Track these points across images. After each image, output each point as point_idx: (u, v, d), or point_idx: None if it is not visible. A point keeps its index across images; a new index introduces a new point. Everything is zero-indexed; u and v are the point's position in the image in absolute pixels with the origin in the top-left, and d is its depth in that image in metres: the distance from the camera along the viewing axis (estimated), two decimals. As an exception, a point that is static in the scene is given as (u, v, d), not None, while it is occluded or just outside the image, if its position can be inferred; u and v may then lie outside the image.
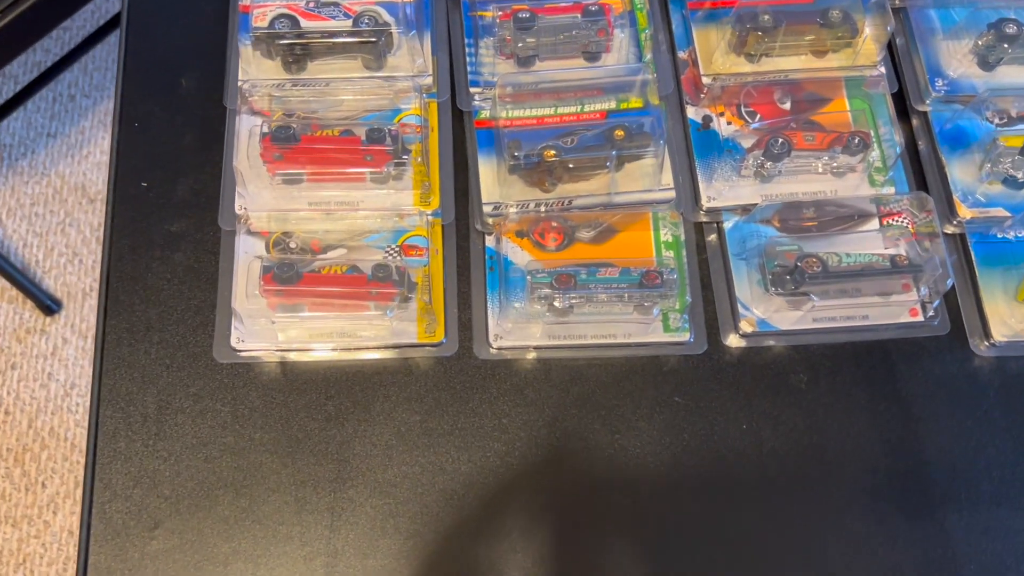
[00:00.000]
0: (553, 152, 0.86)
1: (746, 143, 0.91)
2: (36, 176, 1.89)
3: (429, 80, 0.92)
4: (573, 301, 0.82)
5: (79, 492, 1.73)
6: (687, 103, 0.94)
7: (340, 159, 0.85)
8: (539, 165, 0.86)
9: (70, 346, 1.77)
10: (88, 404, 1.43)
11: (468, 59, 0.94)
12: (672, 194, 0.89)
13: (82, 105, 1.93)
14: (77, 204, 1.86)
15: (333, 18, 0.88)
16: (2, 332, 1.77)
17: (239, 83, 0.91)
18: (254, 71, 0.90)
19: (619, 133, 0.86)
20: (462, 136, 0.92)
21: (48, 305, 1.76)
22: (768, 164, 0.88)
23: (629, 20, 0.95)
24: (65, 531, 1.70)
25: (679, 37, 0.97)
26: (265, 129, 0.85)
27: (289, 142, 0.84)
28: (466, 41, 0.95)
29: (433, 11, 0.96)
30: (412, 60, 0.91)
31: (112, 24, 1.79)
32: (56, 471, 1.72)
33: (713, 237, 0.90)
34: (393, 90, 0.90)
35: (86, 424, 1.51)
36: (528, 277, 0.83)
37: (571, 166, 0.86)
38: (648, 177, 0.89)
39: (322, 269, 0.82)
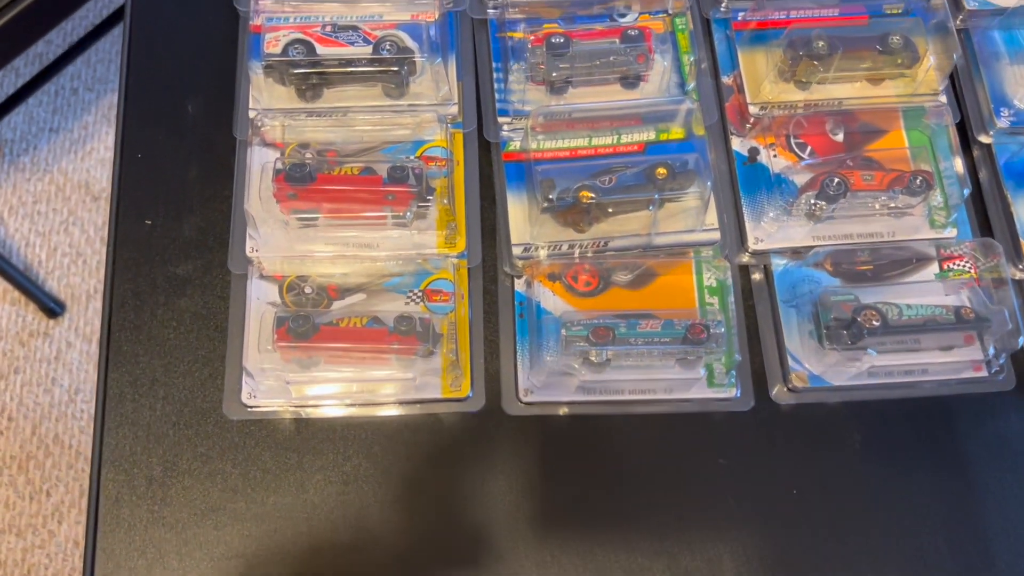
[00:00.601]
0: (590, 194, 0.79)
1: (797, 179, 0.84)
2: (38, 173, 1.82)
3: (454, 109, 0.85)
4: (610, 356, 0.76)
5: (84, 501, 1.69)
6: (732, 134, 0.87)
7: (359, 199, 0.79)
8: (574, 207, 0.79)
9: (74, 350, 1.71)
10: (93, 412, 1.38)
11: (496, 85, 0.87)
12: (717, 235, 0.82)
13: (85, 99, 1.86)
14: (80, 202, 1.80)
15: (352, 43, 0.81)
16: (4, 335, 1.71)
17: (250, 112, 0.84)
18: (266, 99, 0.83)
19: (661, 172, 0.80)
20: (489, 169, 0.86)
21: (51, 307, 1.71)
22: (822, 205, 0.81)
23: (670, 42, 0.87)
24: (70, 541, 1.66)
25: (723, 60, 0.90)
26: (278, 166, 0.78)
27: (304, 181, 0.77)
28: (494, 66, 0.88)
29: (458, 33, 0.88)
30: (436, 87, 0.84)
31: (117, 16, 1.72)
32: (61, 479, 1.67)
33: (760, 279, 0.83)
34: (416, 120, 0.84)
35: (91, 431, 1.45)
36: (563, 331, 0.77)
37: (610, 210, 0.79)
38: (691, 216, 0.82)
39: (340, 321, 0.76)
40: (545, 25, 0.89)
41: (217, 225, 0.83)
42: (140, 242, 0.82)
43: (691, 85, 0.86)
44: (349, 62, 0.81)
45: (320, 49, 0.81)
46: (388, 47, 0.81)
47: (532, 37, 0.84)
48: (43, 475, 1.68)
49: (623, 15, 0.90)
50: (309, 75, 0.81)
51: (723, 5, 0.90)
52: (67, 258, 1.77)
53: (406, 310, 0.77)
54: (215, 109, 0.87)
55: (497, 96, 0.87)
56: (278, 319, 0.76)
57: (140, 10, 0.91)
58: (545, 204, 0.79)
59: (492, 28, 0.89)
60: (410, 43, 0.82)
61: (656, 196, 0.79)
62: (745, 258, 0.84)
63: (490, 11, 0.89)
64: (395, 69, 0.81)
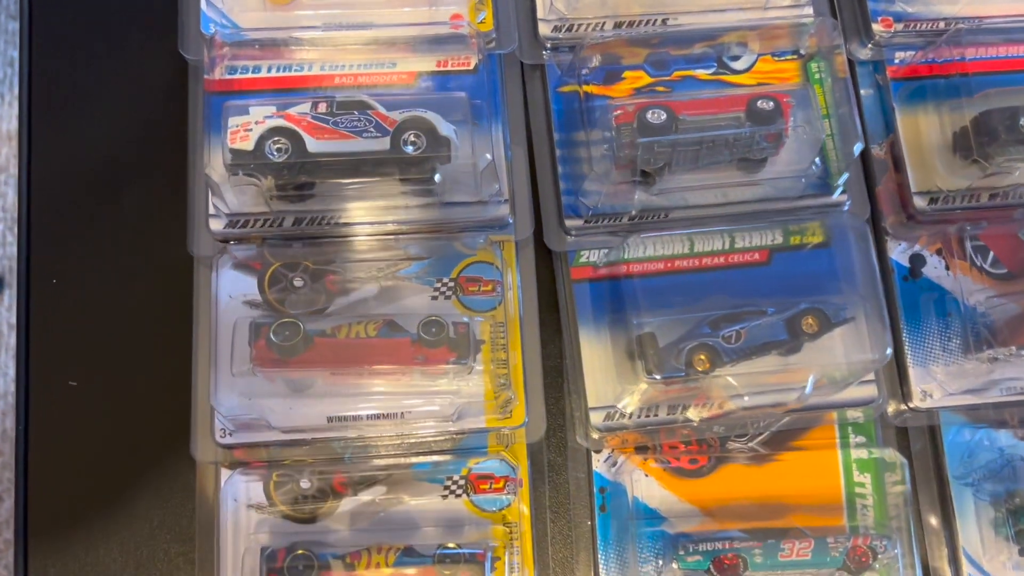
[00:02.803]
0: (707, 358, 0.55)
1: (977, 300, 0.60)
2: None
3: (504, 210, 0.59)
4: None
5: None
6: (886, 234, 0.63)
7: (377, 361, 0.54)
8: (688, 374, 0.55)
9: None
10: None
11: (560, 168, 0.61)
12: (873, 392, 0.59)
13: None
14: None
15: (359, 133, 0.54)
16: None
17: (210, 220, 0.58)
18: (233, 202, 0.57)
19: (811, 323, 0.56)
20: (550, 286, 0.61)
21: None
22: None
23: (805, 100, 0.61)
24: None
25: (871, 118, 0.64)
26: (258, 320, 0.53)
27: (295, 350, 0.53)
28: (556, 137, 0.62)
29: (503, 87, 0.62)
30: (477, 178, 0.58)
31: None
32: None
33: (922, 447, 0.61)
34: (450, 229, 0.59)
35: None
36: (673, 563, 0.54)
37: (733, 382, 0.56)
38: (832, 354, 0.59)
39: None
40: (626, 74, 0.63)
41: (175, 388, 0.58)
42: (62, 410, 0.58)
43: (834, 166, 0.60)
44: (356, 165, 0.54)
45: (312, 144, 0.54)
46: (413, 139, 0.55)
47: (617, 111, 0.58)
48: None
49: (736, 57, 0.63)
50: (298, 178, 0.55)
51: (872, 40, 0.64)
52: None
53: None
54: (158, 207, 0.61)
55: (562, 185, 0.61)
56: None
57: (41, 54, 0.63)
58: (646, 375, 0.55)
59: (551, 79, 0.63)
60: (443, 129, 0.55)
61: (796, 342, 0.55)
62: (906, 417, 0.61)
63: (548, 54, 0.63)
64: (424, 172, 0.55)
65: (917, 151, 0.63)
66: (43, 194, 0.63)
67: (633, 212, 0.60)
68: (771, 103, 0.58)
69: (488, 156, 0.55)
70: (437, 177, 0.57)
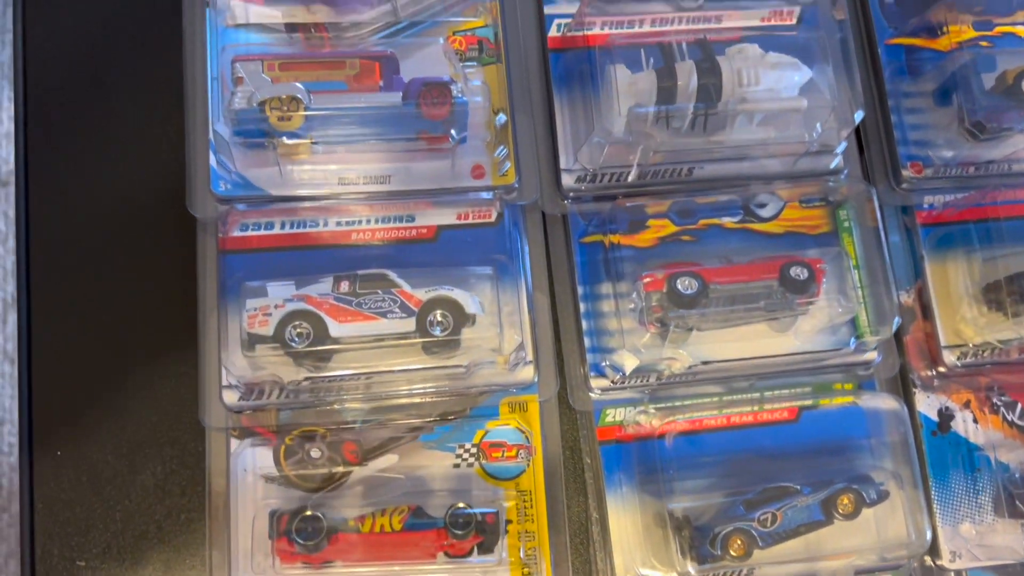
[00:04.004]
0: (743, 543, 0.54)
1: (1010, 457, 0.60)
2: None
3: (528, 372, 0.58)
4: None
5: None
6: (914, 385, 0.61)
7: (403, 557, 0.53)
8: (723, 554, 0.54)
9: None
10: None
11: (584, 323, 0.60)
12: (903, 556, 0.58)
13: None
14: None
15: (383, 314, 0.52)
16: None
17: (223, 390, 0.56)
18: (247, 370, 0.55)
19: (846, 503, 0.55)
20: (575, 447, 0.60)
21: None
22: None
23: (836, 251, 0.60)
24: None
25: (898, 264, 0.63)
26: (276, 510, 0.51)
27: (317, 547, 0.51)
28: (579, 291, 0.60)
29: (523, 238, 0.60)
30: (500, 337, 0.56)
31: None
32: None
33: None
34: (471, 391, 0.57)
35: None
36: None
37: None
38: (867, 531, 0.58)
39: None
40: (651, 222, 0.61)
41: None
42: None
43: (864, 325, 0.59)
44: (379, 341, 0.52)
45: (336, 328, 0.52)
46: (440, 319, 0.53)
47: (647, 278, 0.56)
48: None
49: (762, 204, 0.62)
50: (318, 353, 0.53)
51: (902, 183, 0.63)
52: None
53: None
54: (168, 369, 0.59)
55: (587, 343, 0.59)
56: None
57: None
58: (680, 556, 0.54)
59: (575, 229, 0.61)
60: (470, 307, 0.53)
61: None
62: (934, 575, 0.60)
63: (570, 203, 0.61)
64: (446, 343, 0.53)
65: (946, 300, 0.62)
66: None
67: (663, 371, 0.58)
68: (805, 272, 0.56)
69: (517, 338, 0.53)
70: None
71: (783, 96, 0.56)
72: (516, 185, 0.60)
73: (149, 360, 0.59)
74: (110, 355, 0.59)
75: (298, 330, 0.51)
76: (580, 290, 0.60)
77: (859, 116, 0.57)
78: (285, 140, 0.55)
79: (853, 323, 0.59)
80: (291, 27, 0.59)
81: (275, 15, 0.59)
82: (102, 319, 0.59)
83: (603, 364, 0.58)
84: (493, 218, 0.59)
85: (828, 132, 0.58)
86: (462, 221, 0.59)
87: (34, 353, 0.58)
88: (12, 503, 1.09)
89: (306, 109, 0.54)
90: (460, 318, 0.53)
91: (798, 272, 0.56)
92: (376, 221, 0.59)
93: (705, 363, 0.59)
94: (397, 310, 0.52)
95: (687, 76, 0.57)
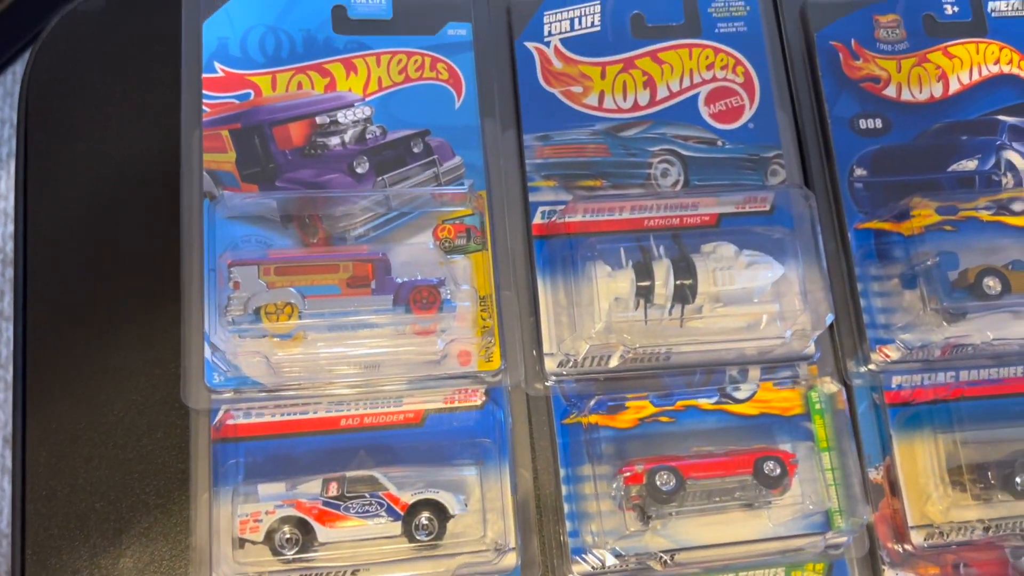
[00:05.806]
0: None
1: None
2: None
3: (511, 560, 0.60)
4: None
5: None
6: (883, 562, 0.64)
7: None
8: None
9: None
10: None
11: (568, 506, 0.62)
12: None
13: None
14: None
15: (369, 516, 0.54)
16: None
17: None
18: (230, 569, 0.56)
19: None
20: (558, 630, 0.61)
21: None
22: None
23: (806, 435, 0.63)
24: None
25: (868, 441, 0.65)
26: None
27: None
28: (562, 473, 0.62)
29: (508, 422, 0.62)
30: (484, 527, 0.58)
31: None
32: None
33: None
34: (457, 578, 0.59)
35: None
36: None
37: None
38: None
39: None
40: (629, 403, 0.63)
41: None
42: None
43: (843, 526, 0.61)
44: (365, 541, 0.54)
45: (323, 533, 0.54)
46: (425, 524, 0.55)
47: (626, 471, 0.58)
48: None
49: (737, 383, 0.64)
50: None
51: (871, 363, 0.65)
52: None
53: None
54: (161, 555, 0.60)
55: (568, 525, 0.61)
56: None
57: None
58: None
59: (557, 410, 0.63)
60: (455, 509, 0.55)
61: None
62: None
63: (552, 384, 0.63)
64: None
65: (914, 480, 0.64)
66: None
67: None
68: (777, 469, 0.59)
69: (500, 543, 0.55)
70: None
71: (754, 301, 0.59)
72: (502, 368, 0.62)
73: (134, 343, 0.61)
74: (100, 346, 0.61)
75: (287, 536, 0.53)
76: (562, 472, 0.62)
77: (830, 319, 0.60)
78: (279, 340, 0.57)
79: (826, 515, 0.61)
80: (286, 218, 0.62)
81: (271, 205, 0.62)
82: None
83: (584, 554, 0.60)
84: (479, 402, 0.61)
85: (800, 334, 0.60)
86: (448, 405, 0.61)
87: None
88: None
89: (300, 316, 0.56)
90: (445, 519, 0.55)
91: (771, 468, 0.59)
92: (365, 406, 0.61)
93: (683, 549, 0.61)
94: (383, 514, 0.54)
95: (664, 275, 0.59)
